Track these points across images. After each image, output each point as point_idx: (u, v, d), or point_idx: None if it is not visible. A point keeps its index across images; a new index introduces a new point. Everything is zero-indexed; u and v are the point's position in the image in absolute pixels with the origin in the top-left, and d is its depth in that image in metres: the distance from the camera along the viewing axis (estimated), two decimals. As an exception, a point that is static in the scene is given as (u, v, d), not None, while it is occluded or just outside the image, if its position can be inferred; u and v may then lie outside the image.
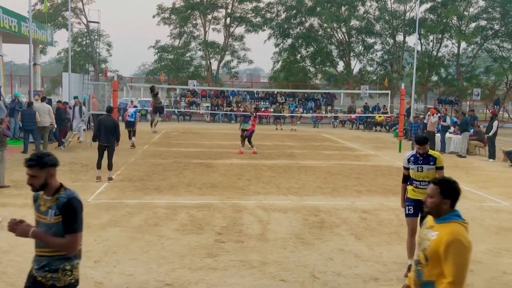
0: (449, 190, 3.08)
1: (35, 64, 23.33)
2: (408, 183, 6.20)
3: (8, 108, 18.66)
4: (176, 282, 5.57)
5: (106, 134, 11.28)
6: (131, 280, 5.59)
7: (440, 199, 3.06)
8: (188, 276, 5.75)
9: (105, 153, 11.32)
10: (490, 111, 23.60)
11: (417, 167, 6.03)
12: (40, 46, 27.74)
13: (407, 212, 6.14)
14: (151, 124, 20.15)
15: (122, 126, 13.13)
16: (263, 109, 31.54)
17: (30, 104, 15.94)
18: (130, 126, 18.29)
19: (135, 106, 21.01)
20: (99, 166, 11.32)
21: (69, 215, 3.26)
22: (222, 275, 5.83)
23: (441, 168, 6.05)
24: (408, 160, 6.16)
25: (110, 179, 11.32)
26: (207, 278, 5.71)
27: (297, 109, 33.09)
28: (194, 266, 6.09)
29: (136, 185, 10.93)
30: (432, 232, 3.07)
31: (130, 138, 18.02)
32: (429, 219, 3.22)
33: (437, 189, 3.09)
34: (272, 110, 31.79)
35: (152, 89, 18.59)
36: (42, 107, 16.15)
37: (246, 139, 16.73)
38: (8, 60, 42.81)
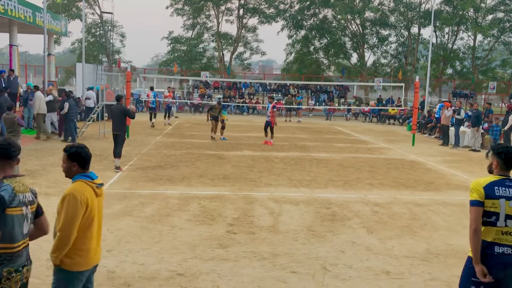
0: (74, 155, 3.56)
1: (49, 55, 23.54)
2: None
3: (22, 98, 18.88)
4: (188, 272, 5.61)
5: (115, 123, 11.48)
6: (143, 269, 5.64)
7: (69, 163, 3.57)
8: (200, 266, 5.79)
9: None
10: (506, 105, 23.24)
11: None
12: (55, 36, 27.91)
13: None
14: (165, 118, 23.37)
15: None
16: (275, 101, 31.43)
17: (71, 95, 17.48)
18: (152, 110, 22.37)
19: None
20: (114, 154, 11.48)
21: None
22: (233, 266, 5.86)
23: None
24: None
25: (117, 168, 11.30)
26: (218, 269, 5.74)
27: (300, 100, 32.99)
28: (206, 256, 6.13)
29: (149, 175, 11.00)
30: None
31: (150, 119, 21.96)
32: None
33: (65, 156, 3.58)
34: (284, 102, 31.70)
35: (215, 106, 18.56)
36: (41, 96, 16.62)
37: (269, 129, 16.99)
38: (23, 50, 43.26)
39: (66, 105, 15.94)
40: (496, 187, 3.64)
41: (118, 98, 12.03)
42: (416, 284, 5.54)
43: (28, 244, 3.32)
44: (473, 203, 3.66)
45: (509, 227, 3.61)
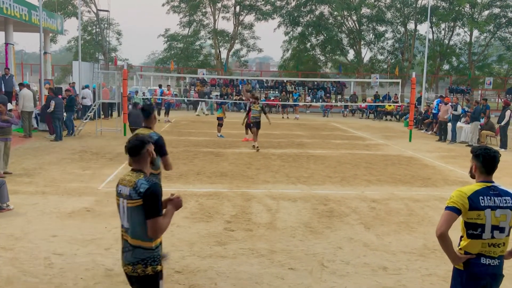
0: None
1: (45, 53, 23.44)
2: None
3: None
4: (186, 270, 5.62)
5: (133, 120, 13.57)
6: (141, 267, 5.64)
7: None
8: (198, 264, 5.79)
9: None
10: (503, 100, 23.30)
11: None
12: (51, 34, 27.83)
13: None
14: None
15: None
16: (272, 98, 31.53)
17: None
18: (158, 106, 24.01)
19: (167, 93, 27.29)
20: None
21: None
22: (231, 263, 5.86)
23: None
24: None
25: None
26: (216, 266, 5.75)
27: (300, 97, 33.02)
28: (204, 254, 6.13)
29: (146, 173, 10.97)
30: None
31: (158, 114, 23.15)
32: None
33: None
34: (280, 99, 31.74)
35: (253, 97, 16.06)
36: (28, 93, 16.61)
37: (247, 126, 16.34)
38: (19, 49, 42.98)
39: (52, 103, 15.86)
40: (481, 197, 3.38)
41: (135, 105, 14.27)
42: (413, 279, 5.56)
43: (128, 240, 3.46)
44: (450, 208, 3.36)
45: (496, 239, 3.38)
